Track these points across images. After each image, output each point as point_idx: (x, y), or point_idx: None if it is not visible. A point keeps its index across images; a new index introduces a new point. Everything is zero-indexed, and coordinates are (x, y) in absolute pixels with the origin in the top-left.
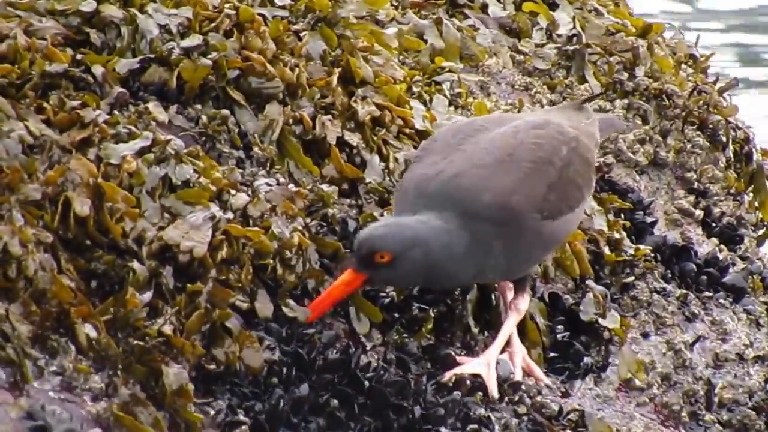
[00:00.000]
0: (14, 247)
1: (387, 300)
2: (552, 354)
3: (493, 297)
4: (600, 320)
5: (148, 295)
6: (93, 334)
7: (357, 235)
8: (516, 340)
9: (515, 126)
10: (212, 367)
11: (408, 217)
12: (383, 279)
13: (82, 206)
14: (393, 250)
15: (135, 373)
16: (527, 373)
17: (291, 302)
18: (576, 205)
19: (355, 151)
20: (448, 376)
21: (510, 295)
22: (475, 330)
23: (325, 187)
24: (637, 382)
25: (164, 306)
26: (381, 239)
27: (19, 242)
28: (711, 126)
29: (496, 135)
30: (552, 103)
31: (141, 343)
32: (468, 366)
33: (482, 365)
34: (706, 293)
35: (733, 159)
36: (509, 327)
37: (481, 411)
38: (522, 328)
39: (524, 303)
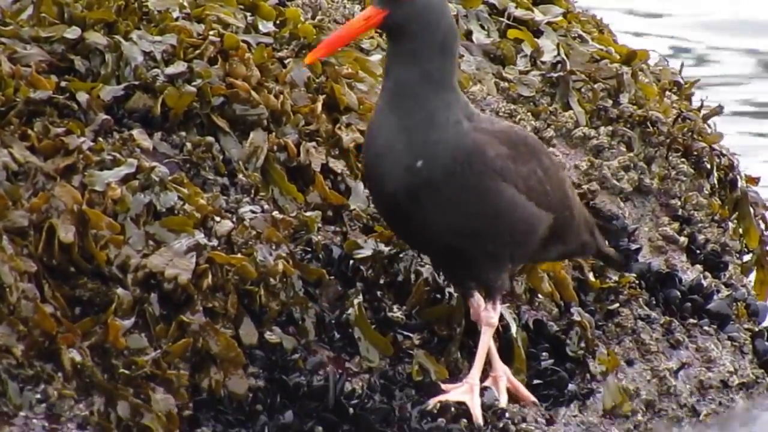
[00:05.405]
0: (5, 275)
1: (373, 327)
2: (536, 381)
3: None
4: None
5: (130, 322)
6: (78, 359)
7: None
8: (497, 363)
9: None
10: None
11: None
12: (402, 16)
13: (66, 233)
14: None
15: (121, 402)
16: (513, 393)
17: (276, 329)
18: (557, 203)
19: (339, 177)
20: (433, 403)
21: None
22: (461, 357)
23: (309, 213)
24: (622, 410)
25: (149, 333)
26: None
27: (9, 270)
28: (695, 153)
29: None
30: (536, 129)
31: (126, 371)
32: (452, 393)
33: (466, 393)
34: (691, 320)
35: (717, 186)
36: (485, 343)
37: None
38: (509, 354)
39: (495, 315)
